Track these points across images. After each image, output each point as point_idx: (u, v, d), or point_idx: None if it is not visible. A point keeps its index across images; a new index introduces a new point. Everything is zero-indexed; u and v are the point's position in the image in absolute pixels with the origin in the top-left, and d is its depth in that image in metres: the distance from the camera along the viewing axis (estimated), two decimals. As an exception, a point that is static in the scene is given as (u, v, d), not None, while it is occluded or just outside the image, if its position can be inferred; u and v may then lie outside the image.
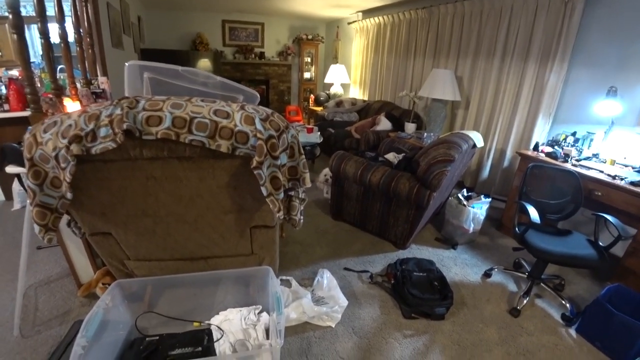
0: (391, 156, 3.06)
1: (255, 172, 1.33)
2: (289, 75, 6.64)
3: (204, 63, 5.89)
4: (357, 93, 5.68)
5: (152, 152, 1.36)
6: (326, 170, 3.29)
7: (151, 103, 1.33)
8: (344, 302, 2.04)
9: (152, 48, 5.63)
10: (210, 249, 1.86)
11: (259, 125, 1.34)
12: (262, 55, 6.43)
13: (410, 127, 3.90)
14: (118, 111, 1.25)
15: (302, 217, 1.94)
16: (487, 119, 3.64)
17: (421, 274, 2.31)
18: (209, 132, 1.30)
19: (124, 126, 1.22)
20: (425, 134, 3.48)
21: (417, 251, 2.75)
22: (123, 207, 1.58)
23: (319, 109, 5.65)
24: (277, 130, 1.40)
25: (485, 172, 3.64)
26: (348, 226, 3.02)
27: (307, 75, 6.69)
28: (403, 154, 3.07)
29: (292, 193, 1.77)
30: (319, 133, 3.87)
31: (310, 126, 3.91)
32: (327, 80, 5.78)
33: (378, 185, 2.49)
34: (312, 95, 6.30)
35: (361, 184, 2.65)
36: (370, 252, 2.69)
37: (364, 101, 5.21)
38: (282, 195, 1.46)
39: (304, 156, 1.59)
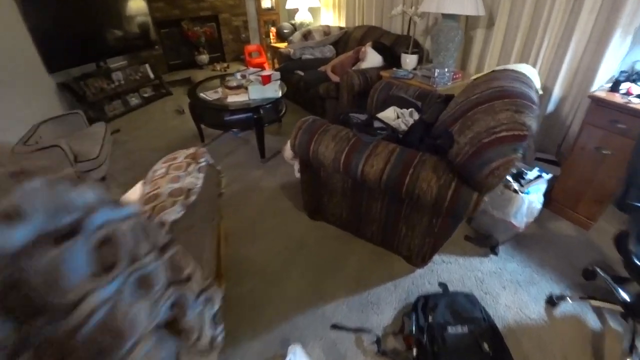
0: (391, 114, 1.85)
1: None
2: (243, 6, 4.94)
3: (135, 3, 4.15)
4: (332, 19, 4.17)
5: None
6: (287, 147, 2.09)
7: None
8: None
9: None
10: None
11: None
12: (204, -21, 4.68)
13: (410, 60, 2.61)
14: None
15: (221, 329, 0.81)
16: (523, 41, 2.38)
17: (460, 328, 1.31)
18: None
19: None
20: (437, 71, 2.22)
21: (441, 267, 1.70)
22: None
23: (282, 45, 4.16)
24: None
25: (518, 121, 2.48)
26: (334, 230, 1.91)
27: (266, 3, 5.01)
28: (411, 109, 1.86)
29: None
30: (278, 82, 2.55)
31: (266, 73, 2.58)
32: (289, 5, 4.19)
33: (379, 182, 1.33)
34: (273, 29, 4.72)
35: (349, 177, 1.48)
36: (372, 277, 1.64)
37: (341, 29, 3.75)
38: None
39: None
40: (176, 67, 4.86)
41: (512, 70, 1.43)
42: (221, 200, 2.11)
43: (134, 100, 4.08)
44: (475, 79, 1.61)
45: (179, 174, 1.12)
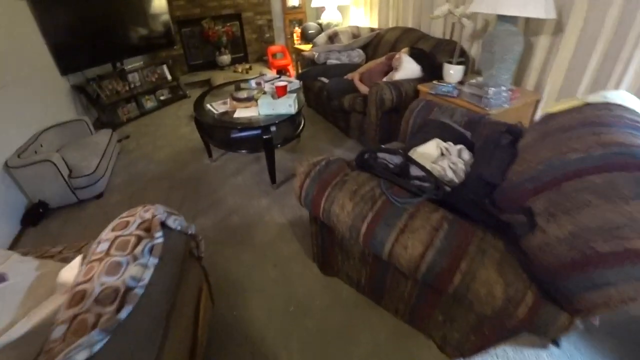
0: (432, 150, 1.41)
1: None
2: (268, 4, 4.55)
3: (154, 1, 3.84)
4: (362, 19, 3.69)
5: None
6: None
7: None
8: None
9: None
10: None
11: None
12: (228, -25, 4.35)
13: (455, 71, 2.12)
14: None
15: None
16: (603, 54, 1.83)
17: None
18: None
19: None
20: (492, 89, 1.74)
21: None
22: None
23: (307, 47, 3.75)
24: None
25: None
26: (349, 291, 1.50)
27: (292, 1, 4.60)
28: (460, 146, 1.40)
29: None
30: (294, 95, 2.14)
31: (282, 83, 2.18)
32: (315, 3, 3.76)
33: (415, 273, 0.91)
34: (297, 29, 4.30)
35: (372, 254, 1.07)
36: (393, 368, 1.22)
37: (372, 30, 3.28)
38: None
39: None
40: (197, 68, 4.58)
41: (624, 108, 0.95)
42: (212, 240, 1.77)
43: (149, 103, 3.83)
44: (553, 113, 1.14)
45: (121, 257, 0.76)
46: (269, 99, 2.05)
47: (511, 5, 1.72)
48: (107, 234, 0.87)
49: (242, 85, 2.64)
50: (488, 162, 1.07)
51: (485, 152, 1.16)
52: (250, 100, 2.15)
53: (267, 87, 2.40)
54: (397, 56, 2.39)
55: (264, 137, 1.93)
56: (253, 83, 2.55)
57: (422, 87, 2.12)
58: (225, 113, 2.13)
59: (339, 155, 2.59)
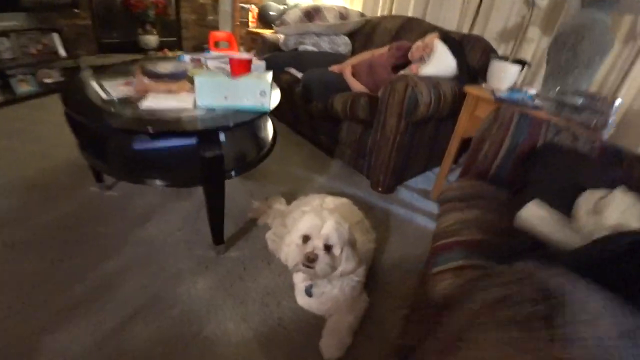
0: (631, 216, 0.53)
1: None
2: (216, -21, 3.47)
3: None
4: (340, 4, 2.79)
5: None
6: (306, 226, 0.70)
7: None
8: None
9: None
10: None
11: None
12: None
13: (510, 73, 1.34)
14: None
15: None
16: None
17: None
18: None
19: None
20: (614, 105, 0.97)
21: None
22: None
23: (267, 32, 2.74)
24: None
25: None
26: None
27: (247, -18, 3.53)
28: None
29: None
30: (269, 77, 1.12)
31: (241, 55, 1.15)
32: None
33: None
34: (253, 7, 3.26)
35: None
36: None
37: (362, 15, 2.42)
38: None
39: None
40: (111, 48, 3.23)
41: None
42: None
43: (24, 86, 2.42)
44: None
45: None
46: (219, 77, 1.00)
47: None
48: None
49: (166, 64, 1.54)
50: None
51: None
52: (180, 78, 1.08)
53: (211, 65, 1.36)
54: (422, 43, 1.54)
55: (205, 154, 0.88)
56: (187, 58, 1.47)
57: (472, 90, 1.28)
58: (126, 101, 1.03)
59: (323, 184, 1.65)
